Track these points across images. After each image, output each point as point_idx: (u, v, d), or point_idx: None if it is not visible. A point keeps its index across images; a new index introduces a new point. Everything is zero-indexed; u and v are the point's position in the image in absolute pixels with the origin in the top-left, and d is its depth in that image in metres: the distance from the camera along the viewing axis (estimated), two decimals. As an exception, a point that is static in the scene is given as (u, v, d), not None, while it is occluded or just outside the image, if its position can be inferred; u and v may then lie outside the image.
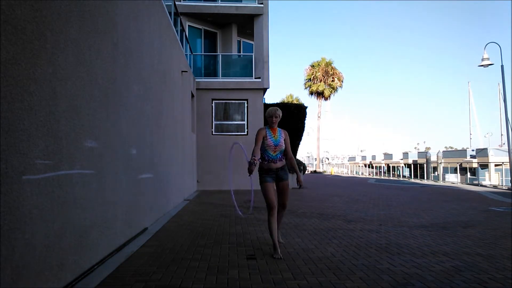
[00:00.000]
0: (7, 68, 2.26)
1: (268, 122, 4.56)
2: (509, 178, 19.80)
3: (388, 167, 44.32)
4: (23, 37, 2.43)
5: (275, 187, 4.58)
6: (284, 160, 4.61)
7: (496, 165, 32.07)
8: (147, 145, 5.93)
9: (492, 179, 30.49)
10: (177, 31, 9.79)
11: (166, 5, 8.16)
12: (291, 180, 14.78)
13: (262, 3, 14.96)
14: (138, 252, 4.43)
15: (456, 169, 33.86)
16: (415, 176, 35.73)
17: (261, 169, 4.57)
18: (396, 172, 43.73)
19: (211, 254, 4.36)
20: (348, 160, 59.55)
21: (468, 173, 34.38)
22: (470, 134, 49.50)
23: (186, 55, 12.04)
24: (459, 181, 29.40)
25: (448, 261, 4.11)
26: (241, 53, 17.10)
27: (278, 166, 4.51)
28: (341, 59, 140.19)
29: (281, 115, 4.52)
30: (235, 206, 4.52)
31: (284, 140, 4.55)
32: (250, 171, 4.26)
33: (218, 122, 14.50)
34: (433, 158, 32.99)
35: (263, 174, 4.51)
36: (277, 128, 4.56)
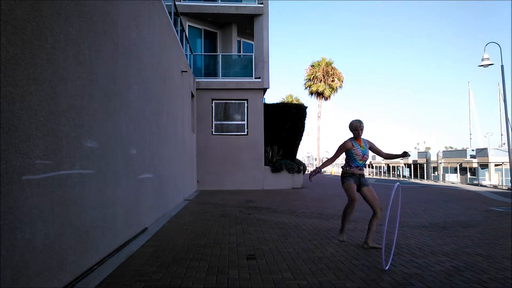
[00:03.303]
0: (7, 68, 2.26)
1: (353, 134, 4.87)
2: (509, 178, 19.81)
3: (388, 167, 44.31)
4: (23, 37, 2.43)
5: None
6: (363, 170, 4.95)
7: (496, 165, 32.09)
8: (147, 145, 5.93)
9: (492, 179, 30.51)
10: (177, 31, 9.79)
11: (166, 5, 8.16)
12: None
13: (262, 3, 14.95)
14: (138, 252, 4.43)
15: (456, 169, 33.87)
16: (415, 176, 35.74)
17: (345, 173, 4.89)
18: (396, 172, 43.74)
19: (211, 254, 4.36)
20: (348, 160, 59.42)
21: (468, 173, 34.40)
22: (470, 134, 49.55)
23: (186, 55, 12.03)
24: (459, 181, 29.41)
25: (448, 261, 4.11)
26: (241, 53, 17.10)
27: (361, 173, 4.88)
28: (341, 59, 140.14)
29: (364, 127, 4.84)
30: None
31: (371, 146, 4.90)
32: (311, 176, 4.96)
33: (218, 122, 14.50)
34: (433, 158, 33.02)
35: (347, 176, 4.85)
36: (361, 138, 4.87)
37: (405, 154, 4.71)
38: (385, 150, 4.99)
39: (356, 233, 5.67)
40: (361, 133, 4.82)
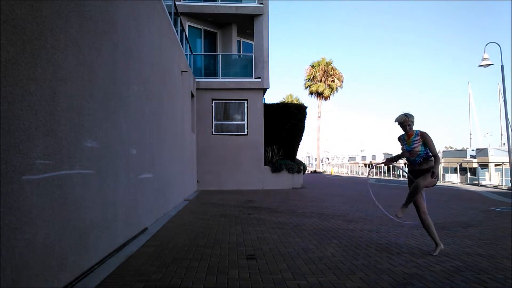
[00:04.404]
0: (7, 68, 2.26)
1: (403, 130, 4.56)
2: (509, 178, 19.80)
3: (388, 167, 44.27)
4: (23, 37, 2.43)
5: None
6: (428, 163, 4.43)
7: (496, 165, 32.09)
8: (147, 145, 5.93)
9: (492, 179, 30.49)
10: (177, 31, 9.79)
11: (166, 5, 8.16)
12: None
13: (262, 3, 14.95)
14: (138, 252, 4.43)
15: (456, 169, 33.85)
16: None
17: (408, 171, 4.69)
18: (396, 172, 43.69)
19: (211, 254, 4.36)
20: (348, 160, 59.49)
21: (468, 173, 34.36)
22: (470, 134, 49.54)
23: (186, 55, 12.03)
24: (459, 181, 29.38)
25: (448, 261, 4.11)
26: (241, 53, 17.10)
27: (413, 168, 4.53)
28: (341, 59, 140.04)
29: (413, 120, 4.45)
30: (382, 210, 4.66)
31: (423, 142, 4.38)
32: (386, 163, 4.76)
33: (218, 122, 14.50)
34: (433, 158, 32.91)
35: (408, 173, 4.69)
36: (414, 132, 4.47)
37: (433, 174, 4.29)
38: (432, 151, 4.38)
39: (356, 233, 5.67)
40: (410, 127, 4.44)
